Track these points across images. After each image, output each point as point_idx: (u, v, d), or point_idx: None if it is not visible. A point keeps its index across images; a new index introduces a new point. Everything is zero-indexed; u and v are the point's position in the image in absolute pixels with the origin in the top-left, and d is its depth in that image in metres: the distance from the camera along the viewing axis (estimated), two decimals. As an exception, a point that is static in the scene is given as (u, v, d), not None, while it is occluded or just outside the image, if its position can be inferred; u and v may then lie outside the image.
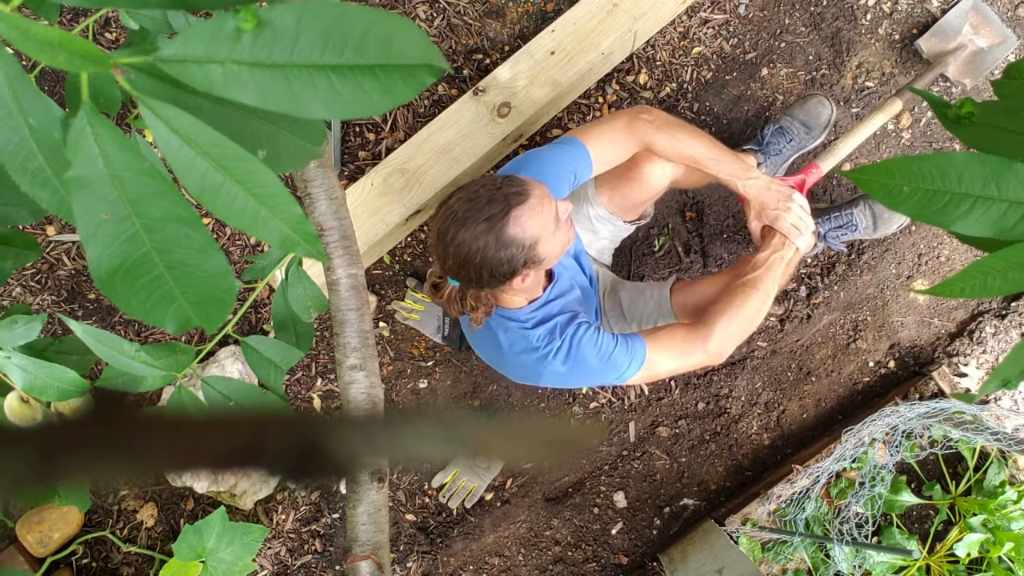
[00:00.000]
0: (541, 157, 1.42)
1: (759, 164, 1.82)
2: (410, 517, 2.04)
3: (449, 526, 2.04)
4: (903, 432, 1.88)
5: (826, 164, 1.64)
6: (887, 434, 1.90)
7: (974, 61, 1.85)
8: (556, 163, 1.40)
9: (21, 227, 1.86)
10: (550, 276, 1.45)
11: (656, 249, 1.99)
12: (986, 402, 1.96)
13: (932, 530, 1.96)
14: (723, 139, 1.95)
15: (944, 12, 1.89)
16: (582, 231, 1.69)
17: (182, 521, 1.99)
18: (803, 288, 2.00)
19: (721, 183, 1.49)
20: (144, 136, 1.09)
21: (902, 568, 1.90)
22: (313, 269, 1.65)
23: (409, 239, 1.98)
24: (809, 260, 1.99)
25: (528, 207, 1.21)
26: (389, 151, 1.86)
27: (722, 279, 1.56)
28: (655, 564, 2.05)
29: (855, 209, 1.83)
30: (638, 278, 1.99)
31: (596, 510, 2.05)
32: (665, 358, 1.39)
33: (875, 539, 1.94)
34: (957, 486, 1.97)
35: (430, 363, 2.02)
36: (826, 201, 1.96)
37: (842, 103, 1.94)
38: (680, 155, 1.45)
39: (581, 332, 1.37)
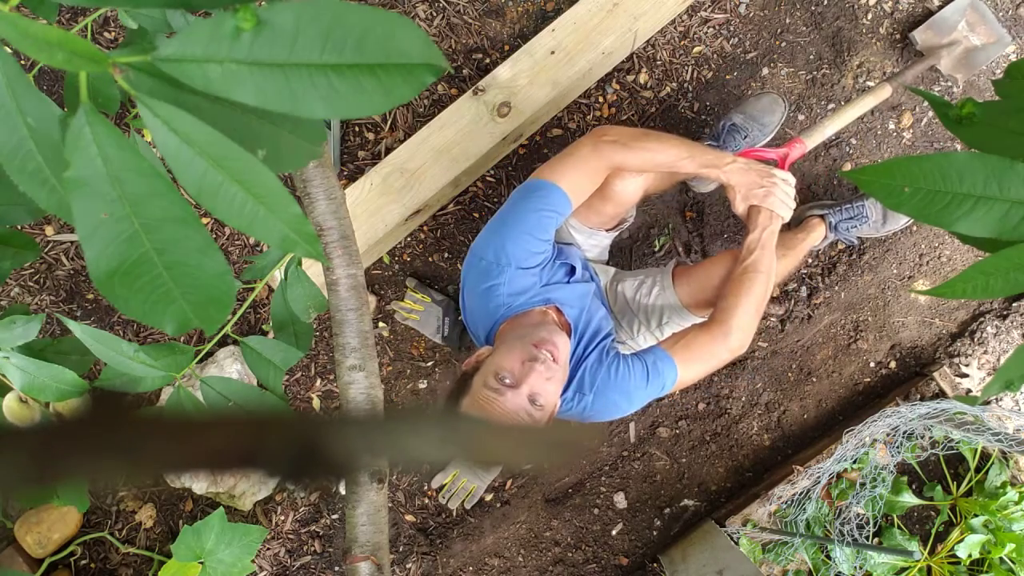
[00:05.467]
0: (518, 215, 1.39)
1: None
2: (410, 518, 2.04)
3: (449, 527, 2.04)
4: (904, 433, 1.88)
5: (811, 140, 1.65)
6: (888, 435, 1.90)
7: (967, 58, 1.86)
8: (535, 214, 1.37)
9: (19, 227, 1.86)
10: (567, 329, 1.43)
11: (656, 249, 1.99)
12: (987, 403, 1.96)
13: (933, 531, 1.96)
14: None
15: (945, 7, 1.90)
16: (574, 242, 1.69)
17: (181, 522, 1.98)
18: (804, 288, 2.00)
19: (700, 177, 1.49)
20: (143, 136, 1.09)
21: (903, 569, 1.90)
22: (312, 269, 1.65)
23: (409, 239, 1.98)
24: (810, 260, 1.99)
25: None
26: (389, 151, 1.86)
27: (724, 259, 1.56)
28: (655, 565, 2.05)
29: (866, 201, 1.83)
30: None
31: (596, 511, 2.05)
32: (694, 367, 1.41)
33: (876, 540, 1.94)
34: (958, 487, 1.97)
35: (430, 363, 2.02)
36: (829, 199, 1.96)
37: (843, 102, 1.94)
38: (655, 165, 1.44)
39: (612, 373, 1.37)
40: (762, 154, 1.59)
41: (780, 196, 1.46)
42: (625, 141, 1.42)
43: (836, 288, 1.99)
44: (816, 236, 1.83)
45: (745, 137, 1.82)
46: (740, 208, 1.50)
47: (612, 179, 1.51)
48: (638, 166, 1.45)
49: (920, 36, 1.88)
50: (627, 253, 1.98)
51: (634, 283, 1.67)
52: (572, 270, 1.53)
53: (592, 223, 1.64)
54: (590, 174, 1.43)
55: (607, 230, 1.68)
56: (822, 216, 1.85)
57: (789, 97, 1.95)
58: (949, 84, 1.92)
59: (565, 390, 1.38)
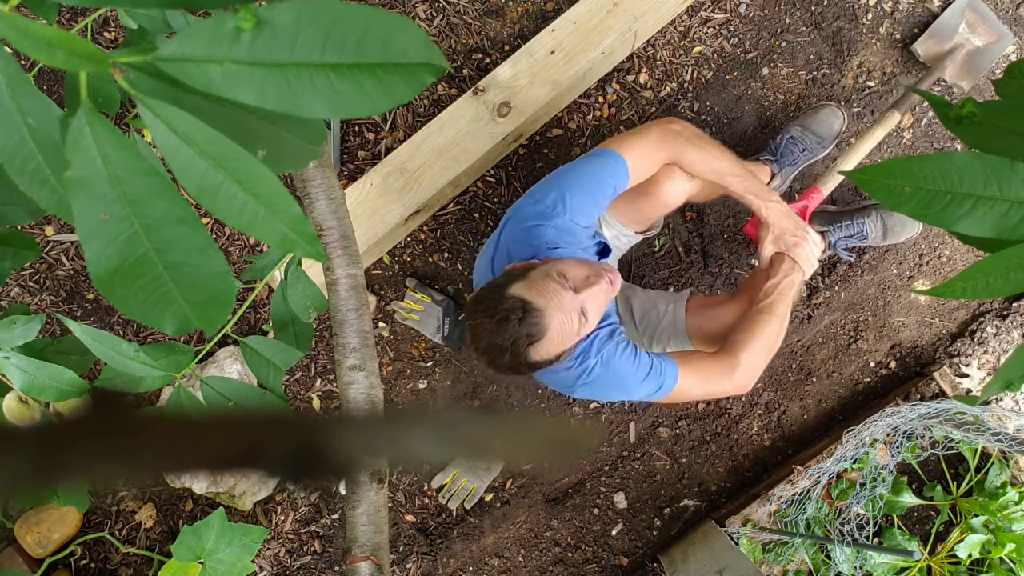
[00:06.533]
0: (582, 172, 1.41)
1: (774, 174, 1.82)
2: (410, 518, 2.04)
3: (449, 527, 2.04)
4: (904, 433, 1.88)
5: (827, 187, 1.65)
6: (888, 435, 1.90)
7: (971, 61, 1.85)
8: (598, 177, 1.39)
9: (20, 227, 1.86)
10: None
11: (656, 249, 1.99)
12: (987, 403, 1.96)
13: (933, 531, 1.96)
14: (723, 140, 1.95)
15: (944, 11, 1.89)
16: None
17: (181, 522, 1.98)
18: (804, 288, 2.00)
19: (739, 201, 1.49)
20: (143, 136, 1.08)
21: (903, 569, 1.90)
22: (312, 269, 1.65)
23: (409, 239, 1.98)
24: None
25: (546, 340, 1.21)
26: (389, 151, 1.86)
27: (738, 305, 1.57)
28: (656, 565, 2.05)
29: (867, 219, 1.83)
30: (638, 279, 1.98)
31: (596, 511, 2.05)
32: (694, 384, 1.41)
33: (876, 540, 1.94)
34: (958, 487, 1.97)
35: (430, 363, 2.02)
36: (828, 201, 1.96)
37: (843, 103, 1.94)
38: (710, 169, 1.45)
39: (620, 351, 1.37)
40: None
41: (807, 251, 1.48)
42: (689, 136, 1.44)
43: (836, 288, 1.99)
44: None
45: (803, 150, 1.81)
46: (767, 250, 1.51)
47: (662, 178, 1.51)
48: (692, 164, 1.45)
49: (922, 47, 1.87)
50: (627, 252, 1.98)
51: (645, 302, 1.67)
52: (605, 250, 1.53)
53: (626, 219, 1.64)
54: (653, 157, 1.45)
55: (636, 231, 1.68)
56: (823, 233, 1.85)
57: (789, 97, 1.95)
58: (948, 85, 1.92)
59: (572, 348, 1.38)
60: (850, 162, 1.65)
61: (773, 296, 1.46)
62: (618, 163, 1.40)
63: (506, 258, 1.42)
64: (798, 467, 1.89)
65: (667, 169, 1.49)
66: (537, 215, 1.40)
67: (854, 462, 1.90)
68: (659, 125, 1.45)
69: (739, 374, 1.40)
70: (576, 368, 1.38)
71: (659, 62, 1.94)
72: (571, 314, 1.22)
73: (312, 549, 2.03)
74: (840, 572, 1.86)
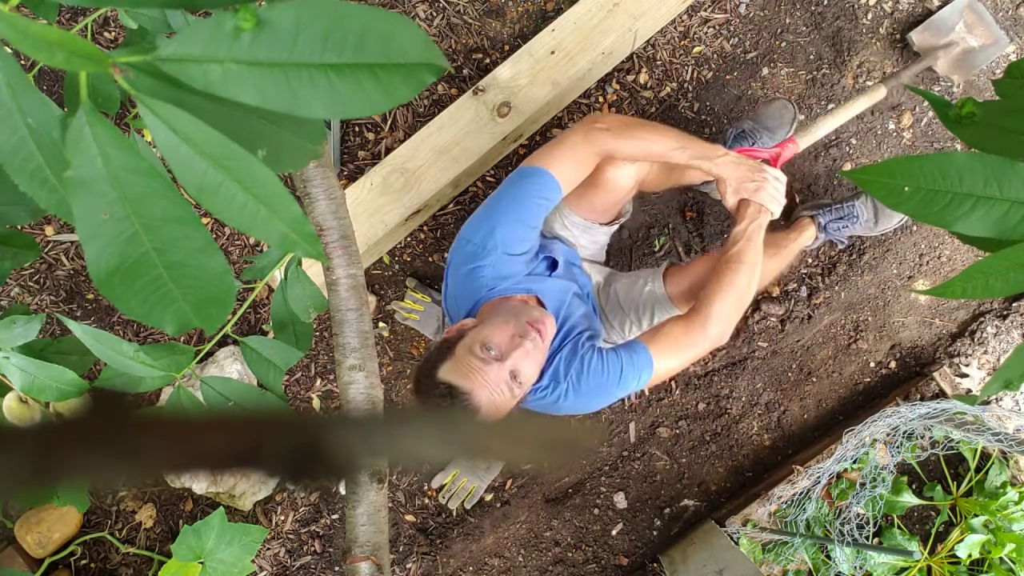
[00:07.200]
0: (508, 201, 1.40)
1: None
2: (410, 518, 2.04)
3: (449, 527, 2.04)
4: (904, 433, 1.88)
5: (803, 141, 1.64)
6: (888, 435, 1.90)
7: (964, 59, 1.86)
8: (524, 201, 1.38)
9: (19, 227, 1.86)
10: None
11: (656, 249, 1.99)
12: (987, 403, 1.96)
13: (933, 531, 1.96)
14: (722, 139, 1.95)
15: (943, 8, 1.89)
16: (568, 238, 1.68)
17: (181, 522, 1.98)
18: (804, 288, 2.00)
19: (692, 169, 1.48)
20: (143, 136, 1.08)
21: (903, 569, 1.90)
22: (312, 269, 1.65)
23: (409, 239, 1.98)
24: (810, 260, 1.99)
25: (483, 411, 1.24)
26: (389, 151, 1.86)
27: (712, 258, 1.56)
28: (655, 565, 2.05)
29: (856, 201, 1.82)
30: (638, 278, 1.98)
31: (596, 511, 2.05)
32: (671, 358, 1.39)
33: (876, 540, 1.94)
34: (958, 487, 1.97)
35: (430, 363, 2.02)
36: (828, 199, 1.96)
37: (843, 102, 1.94)
38: (645, 154, 1.44)
39: (587, 365, 1.37)
40: (754, 153, 1.59)
41: (771, 191, 1.44)
42: (617, 129, 1.42)
43: (836, 288, 1.99)
44: (807, 236, 1.83)
45: (753, 143, 1.80)
46: (730, 201, 1.48)
47: (604, 167, 1.50)
48: (629, 155, 1.44)
49: (917, 37, 1.88)
50: (627, 253, 1.98)
51: (627, 283, 1.68)
52: (554, 264, 1.53)
53: (587, 215, 1.64)
54: (581, 161, 1.43)
55: (602, 224, 1.67)
56: (812, 216, 1.85)
57: (789, 97, 1.95)
58: (949, 84, 1.92)
59: (540, 379, 1.37)
60: (829, 125, 1.64)
61: (741, 243, 1.43)
62: (544, 179, 1.39)
63: (455, 305, 1.45)
64: (798, 467, 1.89)
65: (608, 158, 1.47)
66: (471, 257, 1.40)
67: (854, 462, 1.90)
68: (580, 128, 1.43)
69: (711, 328, 1.37)
70: (551, 395, 1.39)
71: (659, 62, 1.94)
72: (499, 386, 1.23)
73: (312, 549, 2.03)
74: (840, 572, 1.86)
